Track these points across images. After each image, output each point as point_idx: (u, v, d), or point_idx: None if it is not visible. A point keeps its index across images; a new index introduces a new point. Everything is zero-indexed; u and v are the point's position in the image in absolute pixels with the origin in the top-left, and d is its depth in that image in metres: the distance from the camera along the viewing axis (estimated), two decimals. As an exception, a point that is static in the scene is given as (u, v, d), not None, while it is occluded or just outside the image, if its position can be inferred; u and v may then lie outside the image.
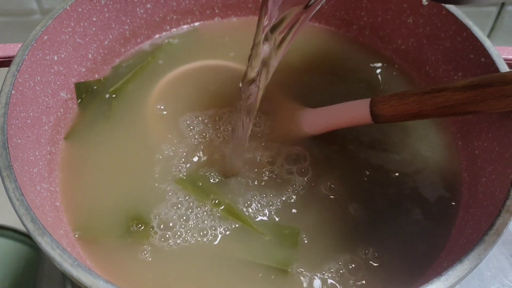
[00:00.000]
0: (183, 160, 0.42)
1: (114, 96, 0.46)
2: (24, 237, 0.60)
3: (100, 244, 0.37)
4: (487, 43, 0.41)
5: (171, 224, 0.38)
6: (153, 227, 0.38)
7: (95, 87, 0.46)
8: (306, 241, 0.38)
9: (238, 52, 0.49)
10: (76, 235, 0.38)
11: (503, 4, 0.79)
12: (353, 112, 0.41)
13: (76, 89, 0.45)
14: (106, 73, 0.48)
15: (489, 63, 0.40)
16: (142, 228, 0.38)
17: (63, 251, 0.30)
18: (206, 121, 0.44)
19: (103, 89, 0.46)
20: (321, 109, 0.43)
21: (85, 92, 0.46)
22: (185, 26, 0.52)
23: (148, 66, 0.48)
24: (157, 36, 0.51)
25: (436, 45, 0.46)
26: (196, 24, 0.52)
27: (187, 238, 0.37)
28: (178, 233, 0.37)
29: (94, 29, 0.46)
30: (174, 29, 0.52)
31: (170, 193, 0.40)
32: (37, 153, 0.39)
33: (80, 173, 0.41)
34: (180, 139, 0.43)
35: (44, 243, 0.30)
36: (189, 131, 0.43)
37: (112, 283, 0.29)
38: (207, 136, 0.43)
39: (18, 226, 0.61)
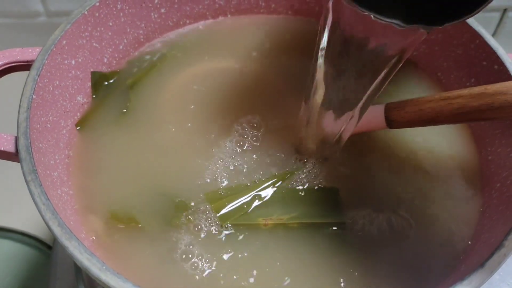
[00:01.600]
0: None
1: (131, 88, 0.46)
2: (32, 240, 0.60)
3: (116, 246, 0.38)
4: (500, 51, 0.42)
5: (202, 226, 0.38)
6: (181, 229, 0.38)
7: (111, 80, 0.47)
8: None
9: (259, 51, 0.50)
10: (92, 238, 0.38)
11: (505, 10, 0.80)
12: (368, 117, 0.41)
13: (91, 78, 0.45)
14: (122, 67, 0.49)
15: (502, 71, 0.41)
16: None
17: (91, 255, 0.30)
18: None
19: (119, 82, 0.47)
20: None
21: (101, 85, 0.46)
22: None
23: (165, 61, 0.49)
24: (170, 35, 0.52)
25: (448, 52, 0.47)
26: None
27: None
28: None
29: (110, 33, 0.46)
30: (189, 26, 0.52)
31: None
32: (56, 157, 0.39)
33: (96, 173, 0.41)
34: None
35: (72, 247, 0.30)
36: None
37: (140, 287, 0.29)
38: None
39: (26, 229, 0.61)
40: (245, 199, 0.39)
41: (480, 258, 0.32)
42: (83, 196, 0.40)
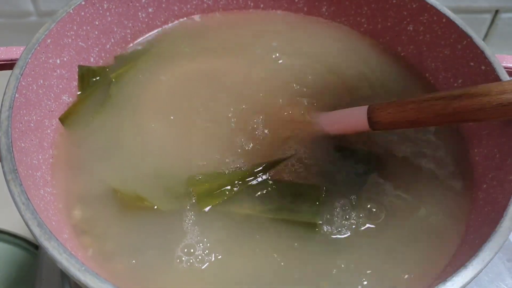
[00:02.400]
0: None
1: (113, 80, 0.46)
2: (20, 241, 0.60)
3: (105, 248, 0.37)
4: (488, 52, 0.42)
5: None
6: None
7: (98, 77, 0.46)
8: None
9: (242, 47, 0.50)
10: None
11: (497, 11, 0.80)
12: (351, 118, 0.41)
13: (78, 71, 0.45)
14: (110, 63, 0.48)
15: (489, 71, 0.41)
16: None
17: (70, 256, 0.30)
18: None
19: (106, 79, 0.46)
20: (325, 114, 0.43)
21: (87, 81, 0.46)
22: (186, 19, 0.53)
23: (152, 56, 0.49)
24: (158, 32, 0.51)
25: (436, 53, 0.46)
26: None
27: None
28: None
29: (96, 32, 0.46)
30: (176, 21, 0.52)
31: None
32: (40, 156, 0.39)
33: (82, 173, 0.41)
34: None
35: (51, 248, 0.30)
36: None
37: (120, 288, 0.29)
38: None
39: (14, 229, 0.60)
40: (227, 185, 0.39)
41: (464, 260, 0.32)
42: (67, 196, 0.40)
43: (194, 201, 0.38)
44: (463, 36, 0.43)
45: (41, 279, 0.50)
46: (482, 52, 0.42)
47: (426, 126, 0.38)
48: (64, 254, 0.30)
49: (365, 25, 0.51)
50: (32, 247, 0.59)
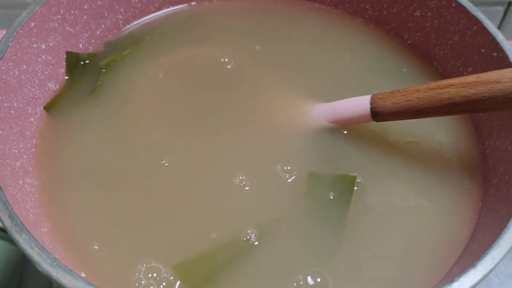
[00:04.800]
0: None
1: (104, 70, 0.43)
2: (6, 234, 0.58)
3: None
4: (500, 37, 0.39)
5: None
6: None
7: (87, 61, 0.44)
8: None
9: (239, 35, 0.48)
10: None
11: (509, 4, 0.77)
12: (352, 109, 0.39)
13: (66, 58, 0.43)
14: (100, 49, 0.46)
15: (502, 58, 0.38)
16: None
17: (42, 250, 0.27)
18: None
19: (95, 65, 0.44)
20: (324, 105, 0.41)
21: (75, 66, 0.43)
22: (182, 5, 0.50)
23: (145, 43, 0.46)
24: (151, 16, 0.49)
25: (444, 40, 0.44)
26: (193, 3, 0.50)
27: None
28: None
29: (85, 17, 0.44)
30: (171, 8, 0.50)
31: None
32: (21, 145, 0.37)
33: (66, 164, 0.38)
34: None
35: (22, 240, 0.28)
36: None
37: (94, 285, 0.26)
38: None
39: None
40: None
41: (473, 259, 0.29)
42: (49, 188, 0.37)
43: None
44: (474, 21, 0.40)
45: (28, 275, 0.48)
46: (494, 38, 0.39)
47: (432, 116, 0.35)
48: (36, 247, 0.28)
49: (369, 12, 0.48)
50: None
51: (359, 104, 0.38)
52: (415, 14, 0.45)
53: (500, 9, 0.78)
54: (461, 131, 0.42)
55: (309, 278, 0.33)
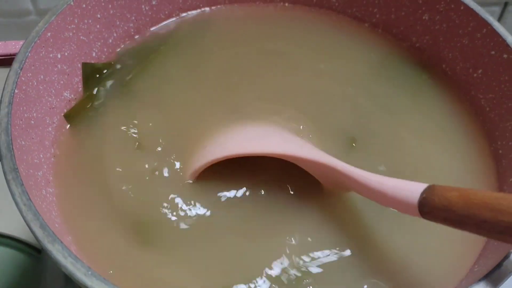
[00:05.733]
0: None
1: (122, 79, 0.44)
2: (21, 244, 0.58)
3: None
4: (510, 39, 0.40)
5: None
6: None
7: (105, 71, 0.44)
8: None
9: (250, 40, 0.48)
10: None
11: (506, 4, 0.78)
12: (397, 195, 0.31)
13: (83, 69, 0.43)
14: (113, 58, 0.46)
15: (513, 60, 0.39)
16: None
17: (76, 260, 0.28)
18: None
19: (113, 75, 0.44)
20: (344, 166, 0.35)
21: (92, 77, 0.44)
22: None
23: (161, 52, 0.46)
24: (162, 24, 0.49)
25: (453, 43, 0.44)
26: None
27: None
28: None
29: (98, 26, 0.44)
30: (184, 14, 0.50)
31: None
32: (41, 155, 0.37)
33: (85, 173, 0.39)
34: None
35: (55, 251, 0.28)
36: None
37: (130, 293, 0.27)
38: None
39: (16, 233, 0.58)
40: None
41: (483, 271, 0.30)
42: (70, 197, 0.38)
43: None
44: (483, 24, 0.41)
45: (45, 284, 0.48)
46: (504, 40, 0.40)
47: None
48: (69, 257, 0.28)
49: (377, 16, 0.49)
50: (34, 251, 0.57)
51: (405, 191, 0.31)
52: (424, 17, 0.46)
53: (497, 9, 0.79)
54: (472, 132, 0.42)
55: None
